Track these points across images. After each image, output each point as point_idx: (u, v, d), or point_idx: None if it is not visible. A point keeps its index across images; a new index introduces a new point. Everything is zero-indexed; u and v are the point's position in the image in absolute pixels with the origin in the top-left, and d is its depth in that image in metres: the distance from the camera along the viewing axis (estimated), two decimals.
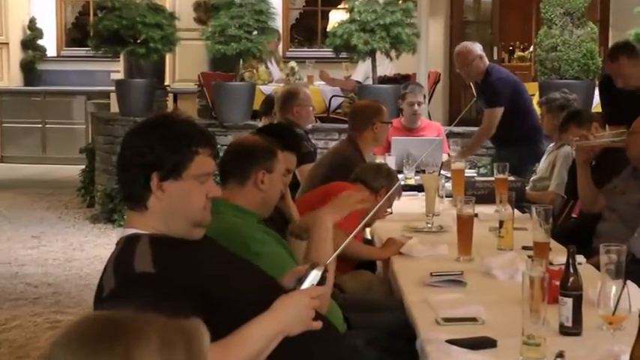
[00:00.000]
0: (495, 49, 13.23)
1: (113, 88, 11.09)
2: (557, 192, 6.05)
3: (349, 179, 4.74)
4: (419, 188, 5.79)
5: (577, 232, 5.04)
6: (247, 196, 3.27)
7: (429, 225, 4.83)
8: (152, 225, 2.55)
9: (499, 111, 7.00)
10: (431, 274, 3.74)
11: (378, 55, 9.40)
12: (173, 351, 1.47)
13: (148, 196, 2.54)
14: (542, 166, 6.49)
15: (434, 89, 11.04)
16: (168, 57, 12.28)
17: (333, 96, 10.31)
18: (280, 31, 12.29)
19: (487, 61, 7.23)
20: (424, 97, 7.51)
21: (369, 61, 9.60)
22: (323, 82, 10.77)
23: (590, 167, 5.20)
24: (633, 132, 4.77)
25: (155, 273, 2.40)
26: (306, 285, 2.48)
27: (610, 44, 11.88)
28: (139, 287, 2.37)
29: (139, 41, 10.09)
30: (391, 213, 4.72)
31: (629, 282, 2.78)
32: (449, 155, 6.80)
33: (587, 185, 5.18)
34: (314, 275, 2.49)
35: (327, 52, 11.09)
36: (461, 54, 7.21)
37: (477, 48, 7.20)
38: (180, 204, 2.55)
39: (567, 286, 3.02)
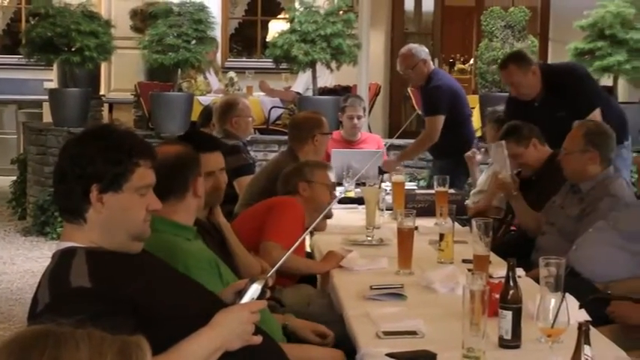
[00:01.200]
0: (436, 61, 13.25)
1: (46, 97, 10.90)
2: (499, 206, 6.06)
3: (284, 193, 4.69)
4: (359, 201, 5.78)
5: (516, 246, 5.06)
6: (188, 207, 3.22)
7: (369, 238, 4.81)
8: (90, 238, 2.50)
9: (440, 119, 6.99)
10: (371, 288, 3.72)
11: (318, 66, 9.38)
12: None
13: (87, 209, 2.49)
14: (481, 179, 6.51)
15: (374, 101, 11.06)
16: (103, 66, 12.11)
17: (273, 107, 10.27)
18: (219, 40, 12.21)
19: (432, 66, 7.22)
20: (364, 110, 7.48)
21: (309, 72, 9.58)
22: (263, 93, 10.72)
23: (524, 194, 5.24)
24: (566, 153, 4.83)
25: (92, 288, 2.35)
26: (246, 299, 2.43)
27: (550, 58, 12.07)
28: (75, 302, 2.32)
29: (73, 49, 9.93)
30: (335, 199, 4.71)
31: (567, 295, 2.78)
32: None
33: (526, 213, 5.22)
34: (254, 289, 2.45)
35: (267, 63, 11.06)
36: (405, 57, 7.18)
37: (422, 52, 7.17)
38: (120, 217, 2.50)
39: (507, 299, 3.02)
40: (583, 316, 3.21)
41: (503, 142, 5.36)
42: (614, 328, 3.83)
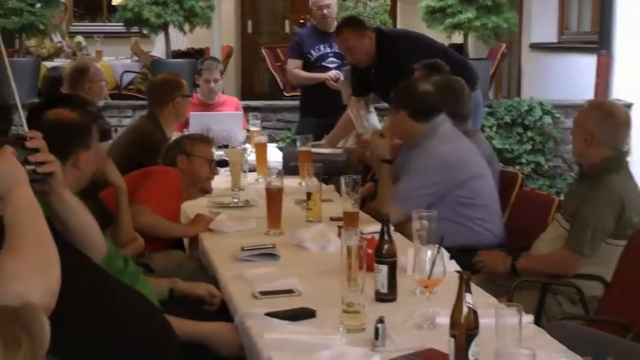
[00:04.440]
0: (287, 23, 13.31)
1: None
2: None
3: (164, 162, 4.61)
4: (220, 164, 5.73)
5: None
6: (65, 176, 3.06)
7: (236, 200, 4.78)
8: None
9: None
10: (242, 249, 3.70)
11: (171, 28, 9.24)
12: (18, 348, 1.40)
13: None
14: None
15: (227, 63, 11.00)
16: None
17: (125, 71, 10.07)
18: None
19: None
20: (221, 72, 7.41)
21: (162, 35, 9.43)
22: (113, 57, 10.50)
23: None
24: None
25: None
26: None
27: (400, 17, 12.25)
28: None
29: None
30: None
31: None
32: (247, 131, 6.75)
33: (387, 188, 4.60)
34: None
35: (116, 27, 10.83)
36: None
37: None
38: None
39: (382, 254, 3.06)
40: (454, 266, 3.28)
41: (352, 97, 5.40)
42: (480, 278, 3.96)
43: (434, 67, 5.33)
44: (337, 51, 7.23)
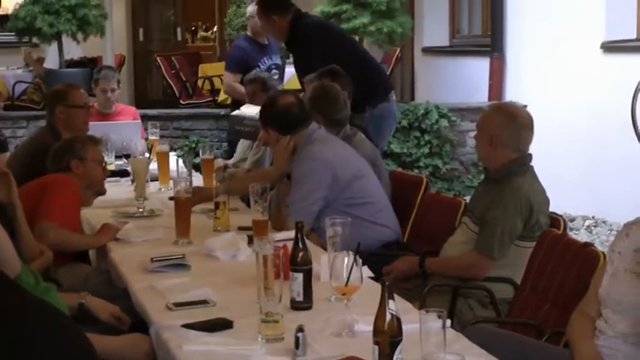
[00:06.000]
0: (179, 30, 13.21)
1: None
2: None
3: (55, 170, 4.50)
4: (121, 173, 5.66)
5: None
6: None
7: (141, 210, 4.72)
8: None
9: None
10: (152, 260, 3.64)
11: (64, 38, 9.09)
12: None
13: None
14: (241, 148, 6.43)
15: (119, 72, 10.86)
16: None
17: (17, 82, 9.84)
18: None
19: None
20: (118, 82, 7.29)
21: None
22: (4, 68, 10.26)
23: None
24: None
25: None
26: None
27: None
28: None
29: None
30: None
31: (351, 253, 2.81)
32: (146, 140, 6.65)
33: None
34: None
35: (7, 37, 10.59)
36: None
37: None
38: None
39: (297, 262, 3.04)
40: (366, 272, 3.29)
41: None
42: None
43: (330, 75, 5.31)
44: (276, 62, 7.50)
